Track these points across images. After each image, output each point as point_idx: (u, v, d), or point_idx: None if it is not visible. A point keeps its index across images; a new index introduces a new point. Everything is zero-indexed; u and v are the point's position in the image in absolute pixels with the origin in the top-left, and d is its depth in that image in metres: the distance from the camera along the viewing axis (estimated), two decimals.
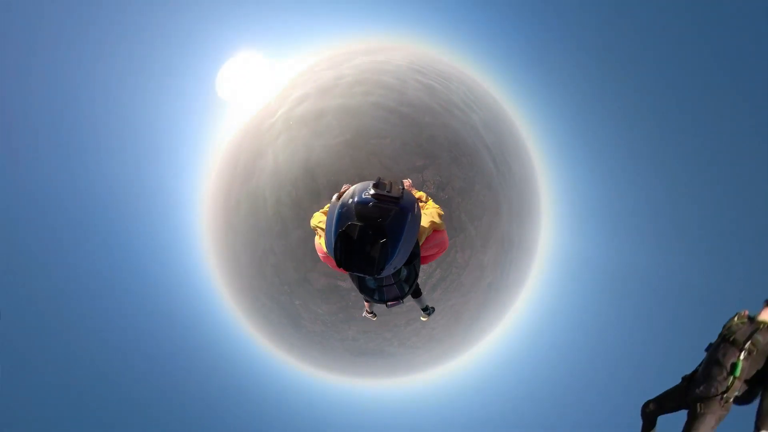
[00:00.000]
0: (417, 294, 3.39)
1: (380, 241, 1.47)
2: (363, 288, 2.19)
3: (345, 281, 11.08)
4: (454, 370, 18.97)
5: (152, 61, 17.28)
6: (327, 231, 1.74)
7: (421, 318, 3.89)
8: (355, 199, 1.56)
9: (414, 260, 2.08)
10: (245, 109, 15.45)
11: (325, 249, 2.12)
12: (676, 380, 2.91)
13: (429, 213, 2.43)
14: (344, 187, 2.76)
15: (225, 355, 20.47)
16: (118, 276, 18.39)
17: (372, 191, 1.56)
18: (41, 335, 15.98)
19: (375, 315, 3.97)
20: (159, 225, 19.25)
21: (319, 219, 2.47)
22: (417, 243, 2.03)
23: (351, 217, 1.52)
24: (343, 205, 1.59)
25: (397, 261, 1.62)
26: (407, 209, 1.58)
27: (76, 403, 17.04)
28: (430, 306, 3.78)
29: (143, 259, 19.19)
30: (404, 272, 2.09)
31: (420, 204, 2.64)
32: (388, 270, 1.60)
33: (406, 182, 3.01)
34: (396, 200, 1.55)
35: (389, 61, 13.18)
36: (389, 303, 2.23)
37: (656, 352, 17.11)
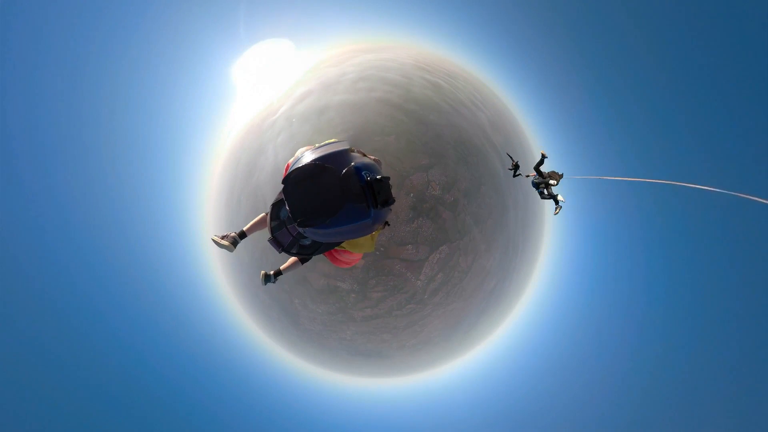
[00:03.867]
0: (303, 261, 3.18)
1: (331, 207, 1.38)
2: (277, 208, 2.08)
3: (344, 282, 10.57)
4: (451, 372, 18.48)
5: (154, 62, 16.74)
6: (315, 150, 1.61)
7: (261, 275, 3.42)
8: (359, 166, 1.46)
9: (328, 246, 2.09)
10: (248, 107, 15.09)
11: (293, 162, 1.88)
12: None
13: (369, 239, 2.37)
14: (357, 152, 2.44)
15: (226, 350, 20.24)
16: (123, 272, 17.93)
17: (372, 178, 1.46)
18: (40, 331, 15.38)
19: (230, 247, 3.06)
20: (163, 221, 18.88)
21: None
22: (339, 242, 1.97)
23: (340, 166, 1.43)
24: (348, 155, 1.51)
25: (319, 236, 1.53)
26: (369, 217, 1.47)
27: (78, 400, 16.53)
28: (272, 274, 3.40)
29: (147, 255, 18.76)
30: (308, 241, 2.05)
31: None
32: (308, 233, 1.51)
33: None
34: (375, 204, 1.46)
35: (394, 59, 12.40)
36: (270, 239, 2.15)
37: (655, 357, 16.48)
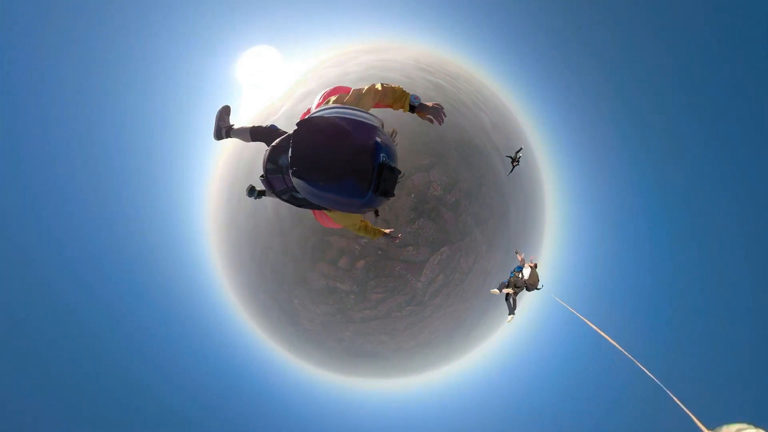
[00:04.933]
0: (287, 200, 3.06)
1: (332, 171, 1.29)
2: (277, 153, 1.96)
3: (344, 283, 10.41)
4: (451, 373, 18.30)
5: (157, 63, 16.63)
6: (346, 109, 1.48)
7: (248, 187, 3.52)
8: (380, 146, 1.34)
9: (314, 206, 2.03)
10: (249, 106, 15.00)
11: (318, 108, 1.75)
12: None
13: (356, 218, 2.36)
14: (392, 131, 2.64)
15: (226, 349, 20.12)
16: (123, 270, 17.78)
17: (386, 164, 1.35)
18: (38, 330, 15.21)
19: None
20: (163, 221, 18.76)
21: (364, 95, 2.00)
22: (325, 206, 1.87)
23: (361, 138, 1.34)
24: (376, 132, 1.39)
25: (305, 192, 1.42)
26: (363, 198, 1.37)
27: (76, 396, 16.33)
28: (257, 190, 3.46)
29: (147, 253, 18.63)
30: (300, 195, 1.96)
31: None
32: (296, 184, 1.42)
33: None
34: (375, 188, 1.36)
35: (396, 60, 12.28)
36: (262, 178, 2.05)
37: (655, 359, 16.26)
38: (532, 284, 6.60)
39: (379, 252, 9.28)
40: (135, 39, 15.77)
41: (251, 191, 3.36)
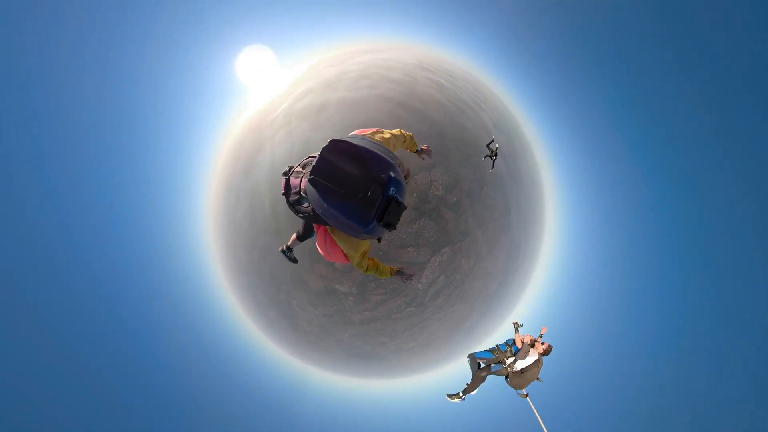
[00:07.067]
0: (300, 238, 3.67)
1: (343, 190, 1.40)
2: (309, 160, 2.32)
3: (342, 285, 10.28)
4: (450, 374, 18.21)
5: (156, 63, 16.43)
6: (372, 144, 1.63)
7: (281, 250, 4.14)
8: (393, 181, 1.47)
9: (322, 221, 2.19)
10: (249, 106, 14.87)
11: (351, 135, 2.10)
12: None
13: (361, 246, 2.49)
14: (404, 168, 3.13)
15: (225, 350, 20.01)
16: (119, 271, 17.60)
17: (394, 197, 1.46)
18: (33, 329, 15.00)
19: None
20: (160, 220, 18.59)
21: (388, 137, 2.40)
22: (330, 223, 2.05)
23: (376, 169, 1.45)
24: (391, 168, 1.51)
25: (313, 201, 1.55)
26: (365, 225, 1.48)
27: (75, 399, 16.14)
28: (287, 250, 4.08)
29: (144, 253, 18.46)
30: (309, 206, 2.18)
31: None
32: (309, 190, 1.54)
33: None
34: (379, 218, 1.46)
35: (396, 59, 12.14)
36: (283, 193, 2.34)
37: (659, 361, 16.22)
38: (517, 384, 4.36)
39: (380, 253, 9.13)
40: (132, 37, 15.60)
41: (284, 252, 3.98)
